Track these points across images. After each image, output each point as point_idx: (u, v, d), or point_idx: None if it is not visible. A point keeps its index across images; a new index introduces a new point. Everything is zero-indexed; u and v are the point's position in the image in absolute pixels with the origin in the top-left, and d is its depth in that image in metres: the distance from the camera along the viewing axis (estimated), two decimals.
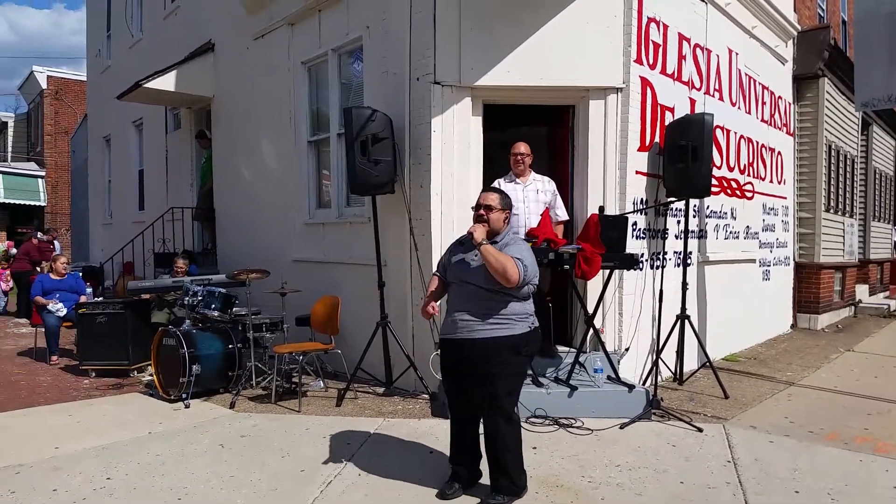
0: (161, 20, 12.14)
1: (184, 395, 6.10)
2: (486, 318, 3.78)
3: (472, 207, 4.03)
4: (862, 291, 13.40)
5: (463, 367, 3.87)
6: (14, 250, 14.20)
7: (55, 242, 16.05)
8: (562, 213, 6.25)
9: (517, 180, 6.12)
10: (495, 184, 6.11)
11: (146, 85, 9.81)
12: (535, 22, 6.16)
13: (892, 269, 16.60)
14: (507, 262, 3.67)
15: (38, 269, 12.15)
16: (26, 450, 4.89)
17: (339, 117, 7.45)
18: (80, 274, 9.84)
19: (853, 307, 12.57)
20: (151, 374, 6.71)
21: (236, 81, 9.62)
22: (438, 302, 4.11)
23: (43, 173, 26.94)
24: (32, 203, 26.41)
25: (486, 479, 4.04)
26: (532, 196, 6.09)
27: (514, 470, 3.90)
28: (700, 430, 5.24)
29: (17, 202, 25.76)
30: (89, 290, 8.76)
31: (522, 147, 6.12)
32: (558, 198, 6.25)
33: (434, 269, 4.30)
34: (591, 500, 3.99)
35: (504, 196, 4.02)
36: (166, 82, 9.91)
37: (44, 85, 26.94)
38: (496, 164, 6.38)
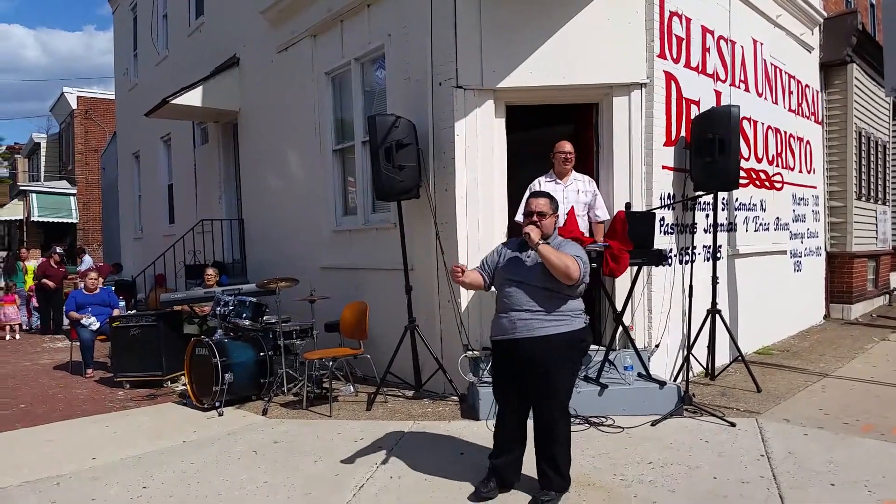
0: (186, 37, 12.35)
1: (217, 404, 6.18)
2: (545, 316, 3.83)
3: (524, 214, 4.09)
4: None
5: (519, 367, 3.90)
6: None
7: (84, 258, 16.34)
8: (602, 214, 6.16)
9: (558, 180, 6.08)
10: (535, 183, 6.06)
11: (173, 101, 9.97)
12: (555, 22, 6.16)
13: None
14: (569, 259, 3.75)
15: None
16: (65, 461, 4.99)
17: (363, 125, 7.51)
18: (113, 288, 10.01)
19: (888, 295, 12.34)
20: (185, 384, 6.81)
21: (261, 94, 9.74)
22: (469, 283, 4.16)
23: (75, 191, 27.50)
24: (65, 220, 26.97)
25: (523, 480, 4.04)
26: (573, 197, 6.05)
27: (565, 465, 3.94)
28: (733, 424, 5.18)
29: (51, 220, 26.33)
30: (122, 303, 8.90)
31: (568, 146, 6.08)
32: (599, 197, 6.18)
33: (482, 281, 4.21)
34: (623, 498, 3.97)
35: (553, 200, 4.08)
36: (193, 98, 10.06)
37: (74, 105, 27.50)
38: (520, 165, 6.38)
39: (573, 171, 6.15)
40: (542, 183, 6.08)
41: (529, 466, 4.05)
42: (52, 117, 31.11)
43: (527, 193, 6.03)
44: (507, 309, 3.94)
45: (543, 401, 3.88)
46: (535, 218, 3.92)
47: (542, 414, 3.90)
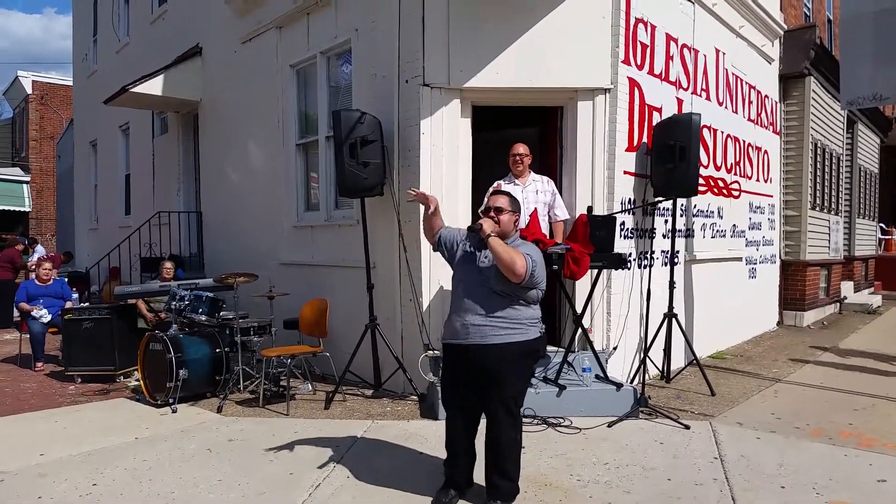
0: (148, 24, 12.11)
1: (171, 400, 6.06)
2: (500, 323, 3.71)
3: (481, 211, 3.98)
4: (847, 288, 13.50)
5: (470, 373, 3.79)
6: None
7: (37, 247, 15.95)
8: (561, 213, 6.23)
9: (517, 181, 6.12)
10: (495, 185, 6.12)
11: (133, 89, 9.78)
12: (523, 24, 6.17)
13: (877, 266, 16.74)
14: (517, 255, 3.64)
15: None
16: (10, 457, 4.85)
17: (327, 120, 7.44)
18: (66, 279, 9.77)
19: (839, 304, 12.66)
20: (138, 380, 6.67)
21: (224, 85, 9.60)
22: (431, 223, 4.09)
23: (28, 179, 26.73)
24: (17, 209, 26.20)
25: (478, 480, 4.02)
26: (532, 197, 6.10)
27: (515, 472, 3.87)
28: (687, 427, 5.26)
29: (2, 208, 25.55)
30: (75, 295, 8.69)
31: (521, 148, 6.12)
32: (558, 197, 6.24)
33: (433, 248, 4.18)
34: (579, 499, 4.00)
35: (513, 199, 3.97)
36: (154, 86, 9.88)
37: (29, 90, 26.73)
38: (485, 165, 6.38)
39: (531, 172, 6.19)
40: (501, 185, 6.12)
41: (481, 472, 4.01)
42: (6, 101, 30.24)
43: (487, 195, 6.07)
44: (460, 310, 3.82)
45: (494, 410, 3.78)
46: (492, 213, 3.85)
47: (492, 423, 3.82)
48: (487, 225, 3.73)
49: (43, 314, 8.25)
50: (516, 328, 3.73)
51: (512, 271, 3.60)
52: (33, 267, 10.39)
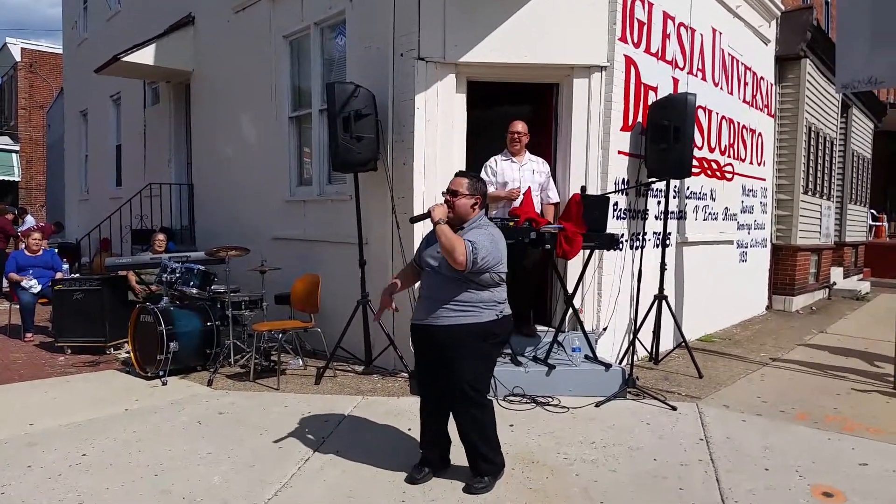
0: None
1: (161, 373, 6.07)
2: (451, 305, 3.72)
3: (443, 192, 3.95)
4: (837, 274, 13.57)
5: (431, 353, 3.84)
6: None
7: (27, 217, 15.85)
8: (553, 196, 6.25)
9: (514, 159, 6.10)
10: (491, 161, 6.12)
11: (124, 58, 9.65)
12: None
13: (867, 252, 16.82)
14: (458, 242, 3.60)
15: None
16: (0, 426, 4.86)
17: (321, 93, 7.37)
18: (56, 250, 9.72)
19: (828, 289, 12.73)
20: (128, 352, 6.67)
21: (217, 55, 9.49)
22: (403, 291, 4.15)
23: (17, 148, 26.48)
24: (6, 178, 25.98)
25: (459, 462, 4.02)
26: (528, 176, 6.09)
27: (489, 451, 3.87)
28: (674, 408, 5.31)
29: None
30: (66, 266, 8.65)
31: (520, 126, 6.10)
32: (551, 180, 6.26)
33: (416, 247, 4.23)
34: (565, 476, 4.03)
35: (475, 181, 3.89)
36: (145, 56, 9.76)
37: (18, 57, 26.40)
38: (480, 141, 6.35)
39: (527, 152, 6.18)
40: (498, 161, 6.11)
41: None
42: None
43: (482, 172, 6.06)
44: (421, 294, 3.92)
45: (451, 392, 3.79)
46: (447, 197, 3.82)
47: (454, 406, 3.84)
48: (437, 211, 3.72)
49: (33, 284, 8.23)
50: (469, 311, 3.72)
51: (452, 259, 3.59)
52: (23, 237, 10.34)
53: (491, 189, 6.00)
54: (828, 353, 7.65)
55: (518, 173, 6.06)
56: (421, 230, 6.00)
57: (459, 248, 3.58)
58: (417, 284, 4.18)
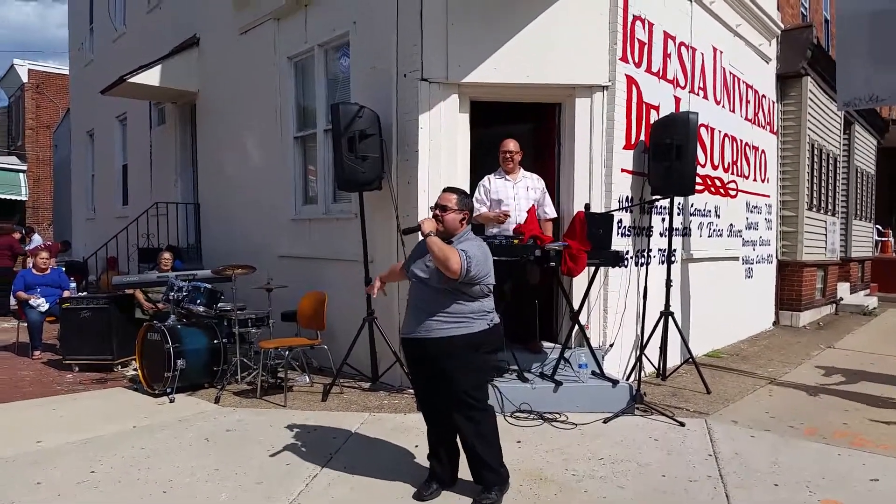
0: (144, 14, 12.07)
1: (168, 390, 6.08)
2: (442, 317, 3.77)
3: (431, 207, 4.01)
4: (843, 289, 13.55)
5: (425, 366, 3.87)
6: None
7: (34, 236, 15.92)
8: (550, 211, 6.30)
9: (507, 177, 6.15)
10: (485, 180, 6.17)
11: (130, 80, 9.75)
12: (522, 19, 6.19)
13: (873, 267, 16.78)
14: (452, 252, 3.67)
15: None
16: (8, 443, 4.88)
17: (325, 113, 7.44)
18: (64, 269, 9.77)
19: (834, 305, 12.70)
20: (136, 369, 6.69)
21: (222, 76, 9.58)
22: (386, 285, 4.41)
23: (24, 168, 26.64)
24: (14, 198, 26.11)
25: (465, 476, 4.03)
26: (522, 193, 6.13)
27: (492, 458, 3.89)
28: (682, 424, 5.30)
29: None
30: (73, 284, 8.70)
31: (511, 145, 6.15)
32: (547, 195, 6.30)
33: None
34: (574, 493, 4.03)
35: (463, 197, 3.98)
36: (151, 77, 9.86)
37: (25, 78, 26.65)
38: (483, 160, 6.41)
39: (521, 169, 6.23)
40: (491, 180, 6.18)
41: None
42: (1, 90, 30.10)
43: (475, 190, 6.10)
44: (410, 307, 3.94)
45: (449, 404, 3.83)
46: (437, 212, 3.89)
47: (453, 414, 3.85)
48: (427, 225, 3.80)
49: (41, 303, 8.27)
50: (460, 322, 3.78)
51: (447, 268, 3.65)
52: (31, 256, 10.38)
53: (483, 209, 6.05)
54: (836, 368, 7.62)
55: (512, 191, 6.11)
56: None
57: (454, 258, 3.65)
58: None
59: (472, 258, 3.70)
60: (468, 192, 6.28)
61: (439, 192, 6.05)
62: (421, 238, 3.91)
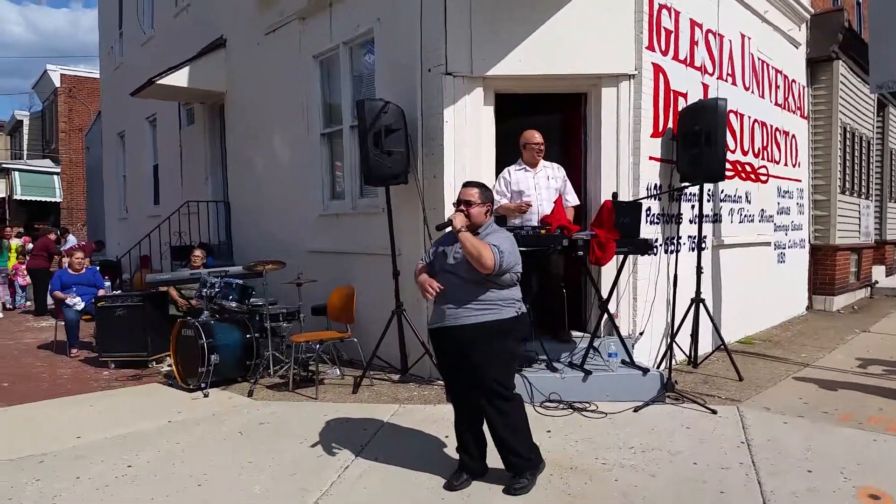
0: (172, 17, 12.23)
1: (202, 385, 6.19)
2: (471, 306, 3.82)
3: (453, 203, 4.04)
4: (879, 272, 13.32)
5: (454, 355, 3.91)
6: (31, 245, 14.35)
7: (69, 237, 16.24)
8: (572, 199, 6.27)
9: (528, 168, 6.14)
10: (505, 172, 6.16)
11: (159, 81, 9.88)
12: (546, 10, 6.16)
13: None
14: (484, 248, 3.73)
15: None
16: (49, 439, 5.00)
17: (351, 109, 7.50)
18: (98, 268, 9.97)
19: (869, 288, 12.51)
20: (170, 365, 6.81)
21: (248, 76, 9.68)
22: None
23: (58, 170, 27.20)
24: (48, 199, 26.67)
25: (495, 464, 4.05)
26: (543, 183, 6.12)
27: (522, 447, 3.92)
28: (714, 411, 5.26)
29: (34, 198, 26.01)
30: (107, 283, 8.87)
31: (539, 136, 6.11)
32: (568, 183, 6.27)
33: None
34: (604, 482, 4.03)
35: (485, 190, 4.04)
36: (179, 78, 9.98)
37: (57, 83, 27.18)
38: (508, 153, 6.39)
39: (541, 159, 6.20)
40: (511, 172, 6.15)
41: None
42: (35, 95, 30.72)
43: (495, 182, 6.09)
44: (438, 299, 3.95)
45: (478, 390, 3.86)
46: (461, 207, 3.92)
47: (481, 402, 3.88)
48: (458, 220, 3.83)
49: (76, 302, 8.43)
50: (489, 309, 3.83)
51: (480, 264, 3.71)
52: (66, 256, 10.60)
53: (504, 200, 6.04)
54: (871, 352, 7.51)
55: (533, 181, 6.09)
56: None
57: (487, 254, 3.70)
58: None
59: (504, 252, 3.77)
60: (490, 184, 6.35)
61: None
62: (447, 231, 3.96)
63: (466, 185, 4.10)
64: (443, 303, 3.91)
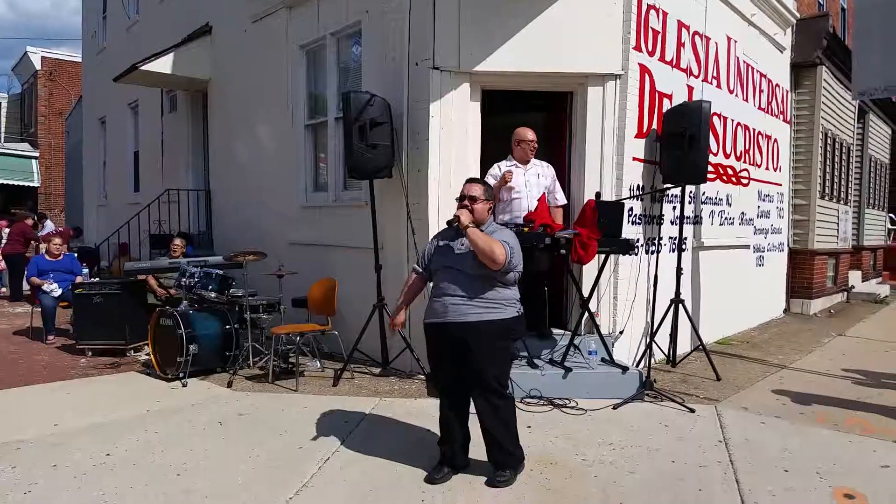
0: (157, 2, 12.11)
1: (181, 375, 6.14)
2: (476, 302, 3.84)
3: (456, 199, 4.05)
4: (855, 277, 13.51)
5: (452, 350, 3.91)
6: (7, 230, 14.13)
7: (46, 223, 16.03)
8: (560, 198, 6.30)
9: (518, 165, 6.14)
10: (495, 167, 6.15)
11: (143, 67, 9.79)
12: (534, 8, 6.17)
13: (886, 255, 16.73)
14: (495, 244, 3.76)
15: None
16: (25, 427, 4.93)
17: (336, 101, 7.45)
18: (76, 255, 9.85)
19: (846, 293, 12.68)
20: (148, 354, 6.75)
21: (233, 64, 9.61)
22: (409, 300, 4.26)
23: (37, 154, 26.76)
24: (26, 184, 26.25)
25: (476, 457, 4.09)
26: (533, 180, 6.12)
27: (510, 443, 3.98)
28: (692, 410, 5.31)
29: (11, 182, 25.59)
30: (85, 270, 8.77)
31: (531, 134, 6.11)
32: (557, 182, 6.29)
33: (422, 281, 4.27)
34: (584, 478, 4.05)
35: (488, 187, 4.08)
36: (163, 65, 9.89)
37: (38, 66, 26.75)
38: (494, 149, 6.40)
39: (532, 157, 6.22)
40: (502, 166, 6.13)
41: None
42: (14, 77, 30.23)
43: (487, 176, 6.10)
44: (439, 293, 3.96)
45: (476, 386, 3.91)
46: (466, 202, 3.94)
47: (479, 401, 3.93)
48: (464, 217, 3.85)
49: (53, 288, 8.33)
50: (493, 307, 3.86)
51: (492, 260, 3.74)
52: (43, 242, 10.47)
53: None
54: (846, 355, 7.62)
55: (523, 178, 6.10)
56: (435, 232, 6.04)
57: (498, 250, 3.73)
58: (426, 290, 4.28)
59: (514, 249, 3.82)
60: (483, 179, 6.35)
61: (450, 180, 6.17)
62: (446, 226, 4.01)
63: (470, 181, 4.13)
64: (444, 297, 3.91)
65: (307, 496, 3.79)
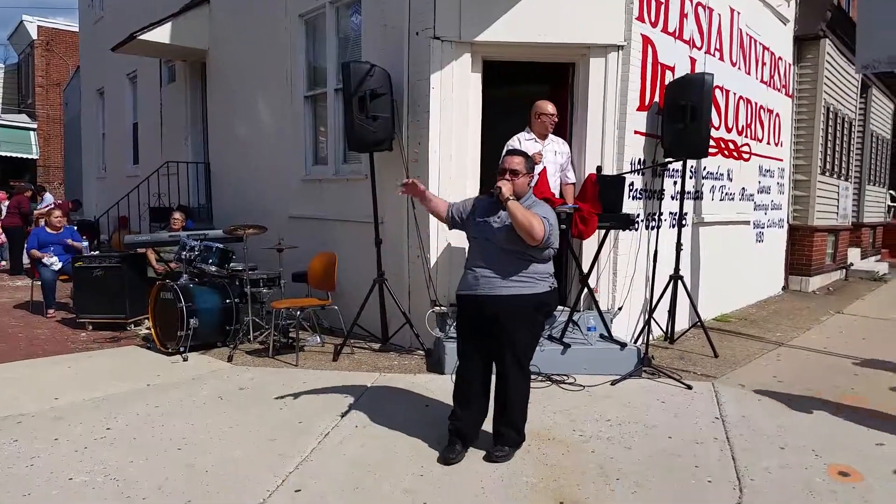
0: None
1: (181, 349, 6.15)
2: (508, 276, 3.84)
3: (498, 172, 4.00)
4: (854, 255, 13.51)
5: (481, 323, 3.92)
6: (6, 203, 14.09)
7: (45, 195, 16.00)
8: (571, 176, 6.25)
9: (538, 139, 6.06)
10: (514, 139, 6.01)
11: (141, 37, 9.68)
12: None
13: (885, 233, 16.69)
14: (534, 218, 3.72)
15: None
16: (27, 400, 4.96)
17: (336, 72, 7.38)
18: (76, 227, 9.83)
19: (845, 270, 12.67)
20: (149, 328, 6.77)
21: (232, 34, 9.50)
22: (432, 206, 4.33)
23: (35, 126, 26.60)
24: (24, 156, 26.12)
25: (480, 437, 4.11)
26: (550, 157, 6.05)
27: (521, 422, 4.02)
28: (689, 387, 5.34)
29: (9, 155, 25.45)
30: (85, 243, 8.75)
31: (551, 108, 6.00)
32: (570, 160, 6.25)
33: (449, 227, 4.34)
34: (581, 453, 4.08)
35: (528, 159, 4.05)
36: (161, 34, 9.79)
37: (34, 35, 26.46)
38: (495, 121, 6.35)
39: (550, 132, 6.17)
40: (522, 140, 6.02)
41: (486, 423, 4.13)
42: (10, 47, 29.94)
43: (505, 150, 6.03)
44: (473, 265, 3.97)
45: (503, 359, 3.93)
46: (507, 176, 3.91)
47: (501, 372, 3.96)
48: (506, 189, 3.80)
49: (54, 261, 8.32)
50: (526, 281, 3.86)
51: (531, 235, 3.70)
52: (42, 215, 10.44)
53: None
54: (844, 333, 7.64)
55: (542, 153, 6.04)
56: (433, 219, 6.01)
57: (538, 225, 3.70)
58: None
59: (553, 226, 3.81)
60: (480, 151, 6.30)
61: (450, 152, 6.13)
62: (482, 198, 4.06)
63: (511, 153, 4.09)
64: (478, 269, 3.92)
65: (307, 470, 3.82)
